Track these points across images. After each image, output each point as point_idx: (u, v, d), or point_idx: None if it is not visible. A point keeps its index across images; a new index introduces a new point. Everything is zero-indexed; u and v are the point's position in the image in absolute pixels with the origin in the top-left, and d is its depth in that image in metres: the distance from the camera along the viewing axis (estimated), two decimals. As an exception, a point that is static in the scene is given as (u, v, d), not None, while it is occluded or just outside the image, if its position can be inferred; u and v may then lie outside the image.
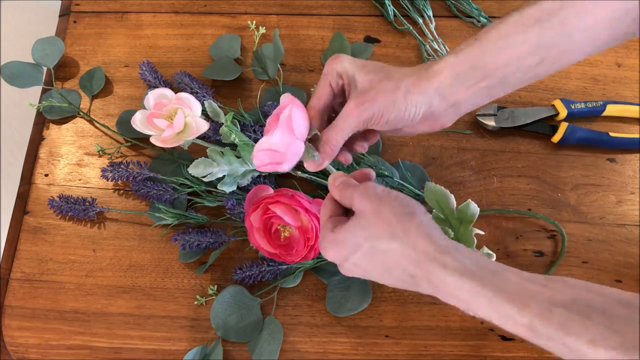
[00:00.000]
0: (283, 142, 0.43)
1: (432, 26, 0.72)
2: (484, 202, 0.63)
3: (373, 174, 0.46)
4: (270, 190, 0.54)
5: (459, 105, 0.44)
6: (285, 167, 0.44)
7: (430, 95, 0.43)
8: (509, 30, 0.41)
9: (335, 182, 0.44)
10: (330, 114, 0.48)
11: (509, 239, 0.61)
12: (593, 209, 0.63)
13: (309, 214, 0.50)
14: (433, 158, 0.65)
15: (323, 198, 0.58)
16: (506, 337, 0.57)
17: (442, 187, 0.48)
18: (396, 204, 0.40)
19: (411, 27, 0.72)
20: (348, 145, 0.48)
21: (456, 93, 0.43)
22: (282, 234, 0.53)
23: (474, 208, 0.48)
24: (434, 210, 0.49)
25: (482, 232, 0.50)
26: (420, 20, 0.72)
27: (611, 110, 0.66)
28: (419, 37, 0.72)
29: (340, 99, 0.47)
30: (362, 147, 0.49)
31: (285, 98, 0.45)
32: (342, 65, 0.45)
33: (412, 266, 0.38)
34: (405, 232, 0.39)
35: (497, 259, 0.47)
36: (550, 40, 0.41)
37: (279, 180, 0.63)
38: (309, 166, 0.46)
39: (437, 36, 0.71)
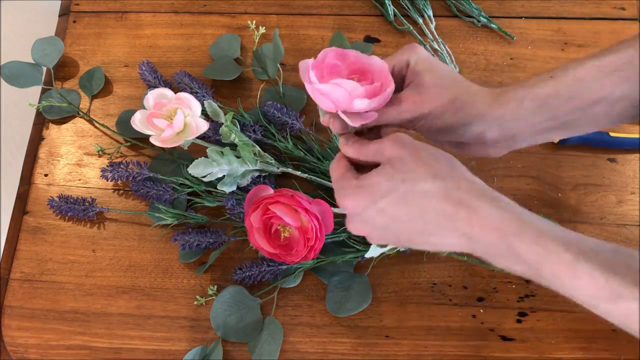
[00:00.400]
0: (368, 107, 0.41)
1: (432, 26, 0.72)
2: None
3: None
4: (270, 191, 0.54)
5: (514, 140, 0.43)
6: (328, 108, 0.42)
7: (488, 123, 0.42)
8: (586, 74, 0.40)
9: (348, 141, 0.42)
10: None
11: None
12: (593, 209, 0.63)
13: (309, 214, 0.50)
14: (433, 158, 0.65)
15: (323, 198, 0.58)
16: (506, 338, 0.57)
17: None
18: (433, 150, 0.39)
19: (411, 27, 0.72)
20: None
21: (516, 128, 0.42)
22: (282, 234, 0.53)
23: None
24: None
25: None
26: (421, 20, 0.72)
27: (611, 110, 0.66)
28: (419, 37, 0.72)
29: (399, 84, 0.45)
30: None
31: (383, 68, 0.42)
32: (414, 58, 0.43)
33: (452, 206, 0.36)
34: (449, 172, 0.37)
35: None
36: (624, 92, 0.40)
37: (278, 180, 0.63)
38: (334, 126, 0.43)
39: (437, 36, 0.71)
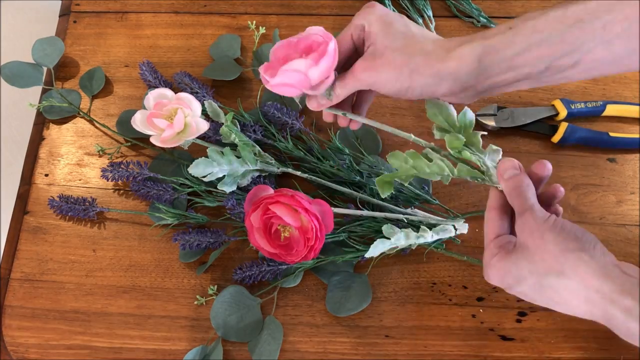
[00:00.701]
0: (321, 72, 0.43)
1: (432, 26, 0.72)
2: (484, 202, 0.63)
3: (549, 167, 0.44)
4: (270, 191, 0.54)
5: (478, 90, 0.42)
6: (296, 93, 0.45)
7: (442, 78, 0.41)
8: (547, 26, 0.38)
9: (505, 173, 0.43)
10: (348, 62, 0.47)
11: (509, 239, 0.61)
12: (593, 209, 0.63)
13: (309, 214, 0.50)
14: (433, 158, 0.65)
15: (323, 198, 0.58)
16: (506, 337, 0.57)
17: (441, 100, 0.46)
18: (562, 237, 0.37)
19: (411, 27, 0.72)
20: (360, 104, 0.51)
21: (473, 81, 0.41)
22: (282, 234, 0.53)
23: (470, 114, 0.46)
24: (435, 125, 0.47)
25: (499, 148, 0.47)
26: (420, 20, 0.72)
27: (611, 110, 0.66)
28: (419, 37, 0.72)
29: (361, 49, 0.46)
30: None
31: (319, 31, 0.45)
32: (368, 20, 0.44)
33: (587, 305, 0.36)
34: (574, 269, 0.36)
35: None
36: (588, 45, 0.38)
37: (279, 180, 0.63)
38: (311, 104, 0.48)
39: (437, 36, 0.71)
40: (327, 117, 0.51)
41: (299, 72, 0.43)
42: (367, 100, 0.52)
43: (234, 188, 0.57)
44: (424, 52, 0.42)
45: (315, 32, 0.45)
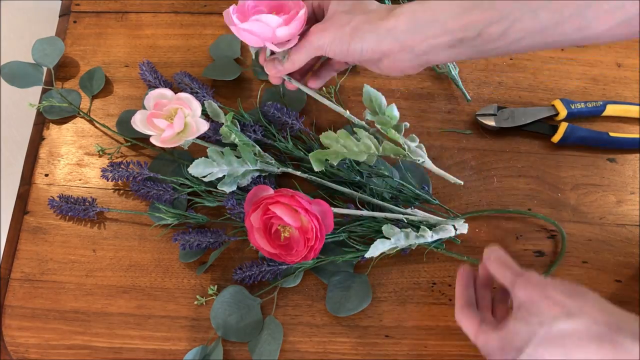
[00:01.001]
0: (288, 33, 0.47)
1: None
2: (483, 202, 0.63)
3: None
4: (271, 191, 0.54)
5: (416, 53, 0.43)
6: (256, 44, 0.50)
7: (381, 35, 0.43)
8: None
9: (491, 255, 0.45)
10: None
11: (509, 239, 0.61)
12: (593, 209, 0.63)
13: (309, 215, 0.50)
14: (433, 158, 0.65)
15: (323, 198, 0.58)
16: (506, 337, 0.57)
17: (376, 91, 0.50)
18: (563, 286, 0.39)
19: (411, 27, 0.72)
20: (321, 70, 0.55)
21: (411, 40, 0.42)
22: (282, 234, 0.53)
23: (394, 111, 0.50)
24: (366, 109, 0.52)
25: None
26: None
27: (611, 110, 0.66)
28: (419, 37, 0.72)
29: (321, 18, 0.50)
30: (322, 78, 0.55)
31: None
32: None
33: (594, 343, 0.36)
34: (580, 308, 0.38)
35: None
36: (515, 14, 0.39)
37: (279, 180, 0.63)
38: (269, 69, 0.52)
39: (437, 36, 0.71)
40: (275, 80, 0.54)
41: (268, 26, 0.47)
42: (326, 75, 0.56)
43: (234, 188, 0.57)
44: (367, 11, 0.44)
45: None
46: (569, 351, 0.37)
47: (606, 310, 0.38)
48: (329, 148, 0.53)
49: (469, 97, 0.68)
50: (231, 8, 0.49)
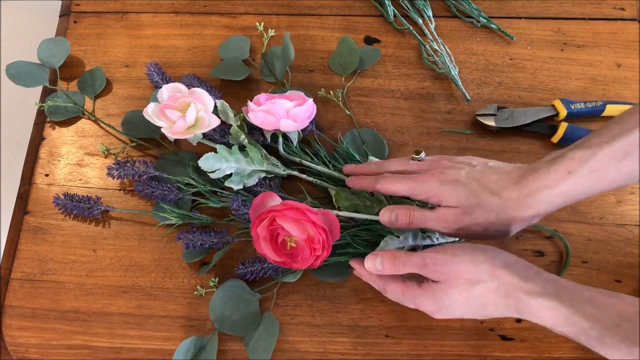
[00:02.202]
0: (299, 114, 0.57)
1: (432, 26, 0.72)
2: (483, 202, 0.63)
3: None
4: (277, 199, 0.54)
5: (533, 223, 0.49)
6: (272, 125, 0.58)
7: (520, 224, 0.48)
8: (601, 164, 0.44)
9: (375, 265, 0.51)
10: None
11: (509, 239, 0.61)
12: (592, 208, 0.63)
13: (316, 227, 0.50)
14: (433, 158, 0.65)
15: (329, 201, 0.59)
16: (506, 337, 0.57)
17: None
18: (469, 256, 0.46)
19: (411, 27, 0.72)
20: None
21: (537, 219, 0.48)
22: (289, 244, 0.53)
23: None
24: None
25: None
26: (420, 21, 0.72)
27: (611, 110, 0.66)
28: (419, 37, 0.72)
29: None
30: None
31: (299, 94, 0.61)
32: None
33: (503, 298, 0.45)
34: (490, 274, 0.45)
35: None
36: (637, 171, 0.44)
37: (285, 182, 0.63)
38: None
39: (437, 36, 0.71)
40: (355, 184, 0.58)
41: (282, 107, 0.56)
42: None
43: (241, 187, 0.57)
44: (499, 205, 0.48)
45: (296, 95, 0.61)
46: (483, 305, 0.46)
47: (511, 270, 0.45)
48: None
49: (468, 97, 0.68)
50: (248, 103, 0.59)
